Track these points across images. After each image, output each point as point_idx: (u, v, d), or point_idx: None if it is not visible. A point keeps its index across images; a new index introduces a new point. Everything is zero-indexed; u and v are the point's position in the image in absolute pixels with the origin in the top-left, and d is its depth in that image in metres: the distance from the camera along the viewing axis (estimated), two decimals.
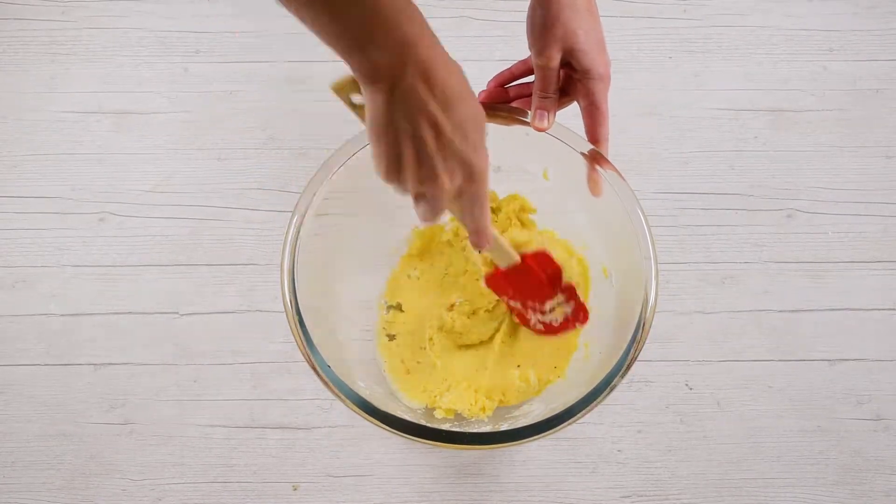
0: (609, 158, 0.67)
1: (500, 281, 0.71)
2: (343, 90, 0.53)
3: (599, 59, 0.65)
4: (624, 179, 0.67)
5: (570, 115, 0.70)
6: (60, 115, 0.91)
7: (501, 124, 0.69)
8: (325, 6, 0.46)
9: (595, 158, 0.67)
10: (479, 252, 0.68)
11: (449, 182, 0.52)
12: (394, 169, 0.52)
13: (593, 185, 0.68)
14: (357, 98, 0.53)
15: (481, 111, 0.53)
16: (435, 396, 0.74)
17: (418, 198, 0.54)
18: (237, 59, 0.94)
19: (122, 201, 0.88)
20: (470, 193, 0.55)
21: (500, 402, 0.74)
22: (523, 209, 0.77)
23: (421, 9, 1.07)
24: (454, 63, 0.52)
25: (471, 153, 0.52)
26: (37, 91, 0.92)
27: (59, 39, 0.95)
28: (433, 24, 1.05)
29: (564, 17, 0.64)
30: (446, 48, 1.01)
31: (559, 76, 0.67)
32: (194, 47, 0.95)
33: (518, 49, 0.95)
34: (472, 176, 0.53)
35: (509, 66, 0.71)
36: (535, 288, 0.71)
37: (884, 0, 0.97)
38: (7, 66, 0.94)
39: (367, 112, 0.51)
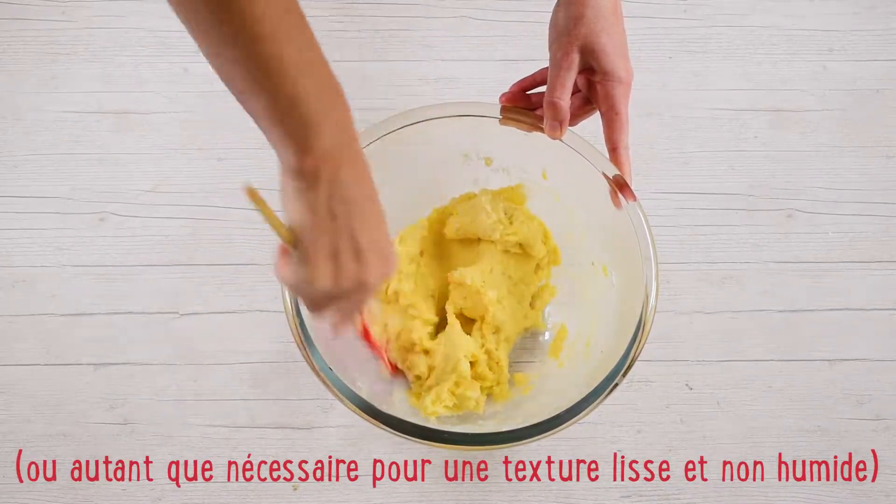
0: (628, 166, 0.67)
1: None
2: (255, 196, 0.47)
3: (621, 62, 0.64)
4: (640, 207, 0.67)
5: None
6: (60, 115, 0.91)
7: (522, 129, 0.69)
8: (275, 85, 0.44)
9: (619, 185, 0.67)
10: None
11: (375, 277, 0.52)
12: (329, 271, 0.50)
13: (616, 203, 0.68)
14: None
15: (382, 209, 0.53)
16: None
17: (342, 303, 0.53)
18: None
19: (122, 201, 0.88)
20: (368, 294, 0.54)
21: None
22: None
23: (421, 9, 1.08)
24: (367, 162, 0.51)
25: (388, 246, 0.53)
26: (37, 91, 0.92)
27: (59, 39, 0.95)
28: (433, 24, 1.06)
29: (588, 17, 0.63)
30: (446, 48, 1.01)
31: (575, 82, 0.65)
32: (194, 47, 0.94)
33: (518, 49, 0.96)
34: (388, 273, 0.54)
35: (529, 72, 0.70)
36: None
37: (884, 0, 0.97)
38: (7, 66, 0.94)
39: (300, 208, 0.48)
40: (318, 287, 0.51)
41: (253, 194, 0.46)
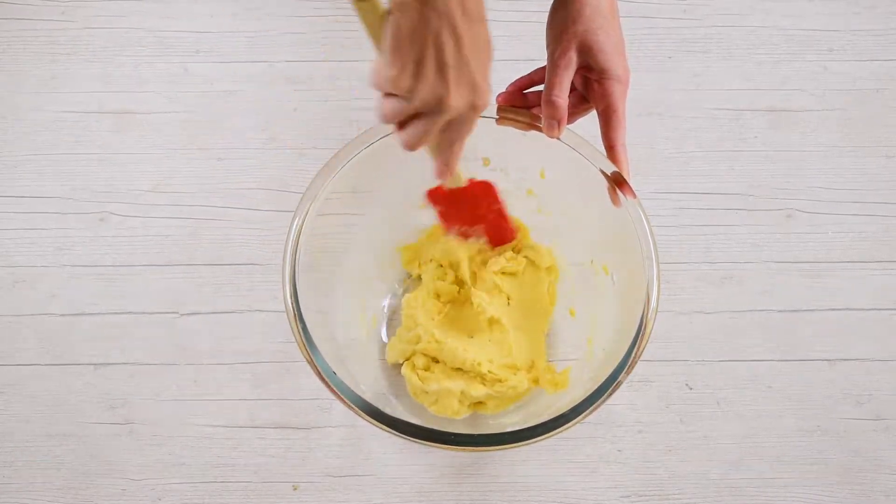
0: (626, 164, 0.67)
1: (439, 197, 0.72)
2: None
3: (618, 60, 0.64)
4: (641, 207, 0.66)
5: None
6: (60, 115, 0.91)
7: (519, 129, 0.69)
8: None
9: (617, 182, 0.67)
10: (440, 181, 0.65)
11: (458, 100, 0.50)
12: (410, 73, 0.48)
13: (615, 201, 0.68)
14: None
15: (491, 40, 0.51)
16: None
17: (416, 116, 0.51)
18: (237, 59, 0.94)
19: (122, 201, 0.88)
20: (462, 123, 0.53)
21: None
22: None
23: None
24: None
25: (482, 77, 0.50)
26: (37, 91, 0.92)
27: (59, 39, 0.95)
28: None
29: (585, 16, 0.63)
30: None
31: (572, 81, 0.65)
32: (194, 47, 0.95)
33: (518, 49, 0.95)
34: (475, 103, 0.51)
35: (528, 71, 0.70)
36: (468, 210, 0.72)
37: (884, 0, 0.97)
38: (7, 66, 0.93)
39: (397, 5, 0.48)
40: (398, 87, 0.49)
41: None
